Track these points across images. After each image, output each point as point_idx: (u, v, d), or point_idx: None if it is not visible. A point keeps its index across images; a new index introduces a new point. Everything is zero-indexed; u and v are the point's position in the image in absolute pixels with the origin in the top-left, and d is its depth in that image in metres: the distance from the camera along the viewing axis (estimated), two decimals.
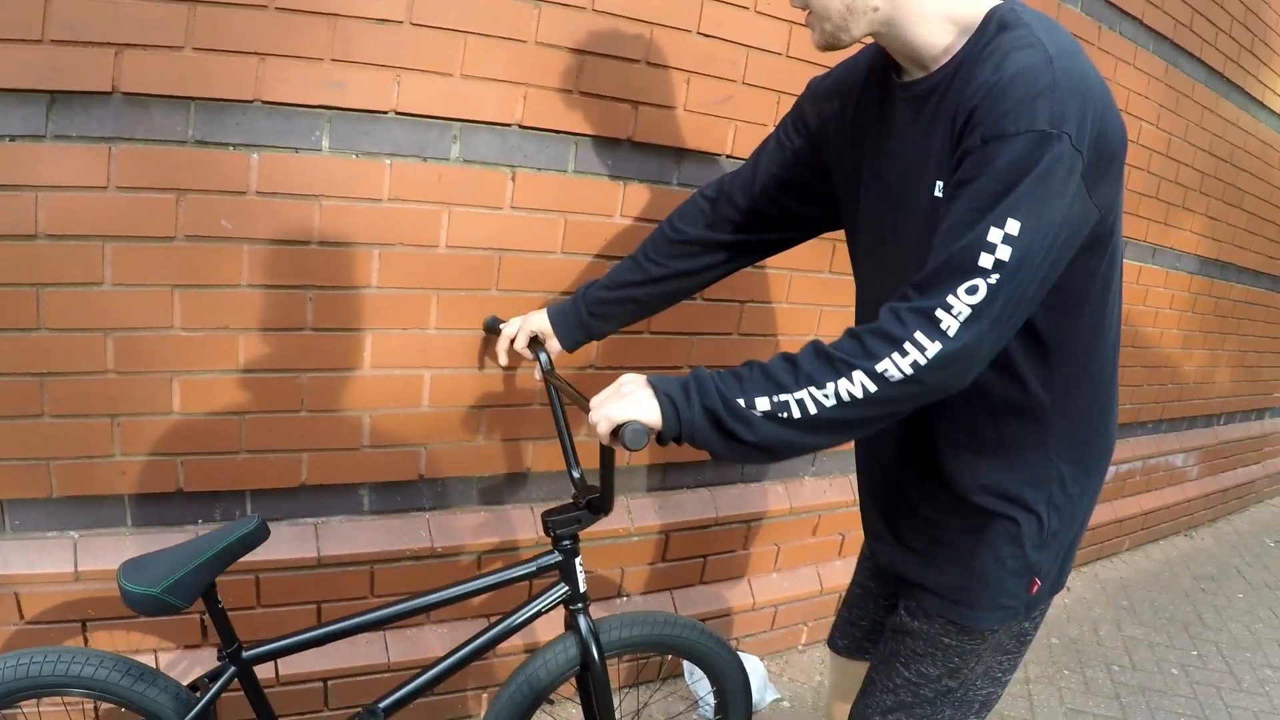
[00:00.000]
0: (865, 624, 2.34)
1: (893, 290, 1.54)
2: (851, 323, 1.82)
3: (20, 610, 2.42)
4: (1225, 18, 4.96)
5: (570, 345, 2.39)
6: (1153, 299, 5.20)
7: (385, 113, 2.43)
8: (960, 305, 1.42)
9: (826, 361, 1.50)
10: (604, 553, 3.19)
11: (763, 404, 1.51)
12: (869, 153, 1.80)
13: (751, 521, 3.49)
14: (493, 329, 2.64)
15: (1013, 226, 1.39)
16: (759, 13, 2.92)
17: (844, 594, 2.42)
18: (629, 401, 1.61)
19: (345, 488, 2.74)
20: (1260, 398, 7.15)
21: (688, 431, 1.57)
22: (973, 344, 1.44)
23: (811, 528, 3.70)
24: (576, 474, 2.30)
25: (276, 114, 2.32)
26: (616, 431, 1.63)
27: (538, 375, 2.40)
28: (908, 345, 1.44)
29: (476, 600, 2.90)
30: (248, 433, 2.55)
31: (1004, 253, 1.39)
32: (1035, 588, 1.84)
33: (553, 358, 2.38)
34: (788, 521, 3.61)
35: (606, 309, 2.32)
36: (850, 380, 1.47)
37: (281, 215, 2.39)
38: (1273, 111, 5.79)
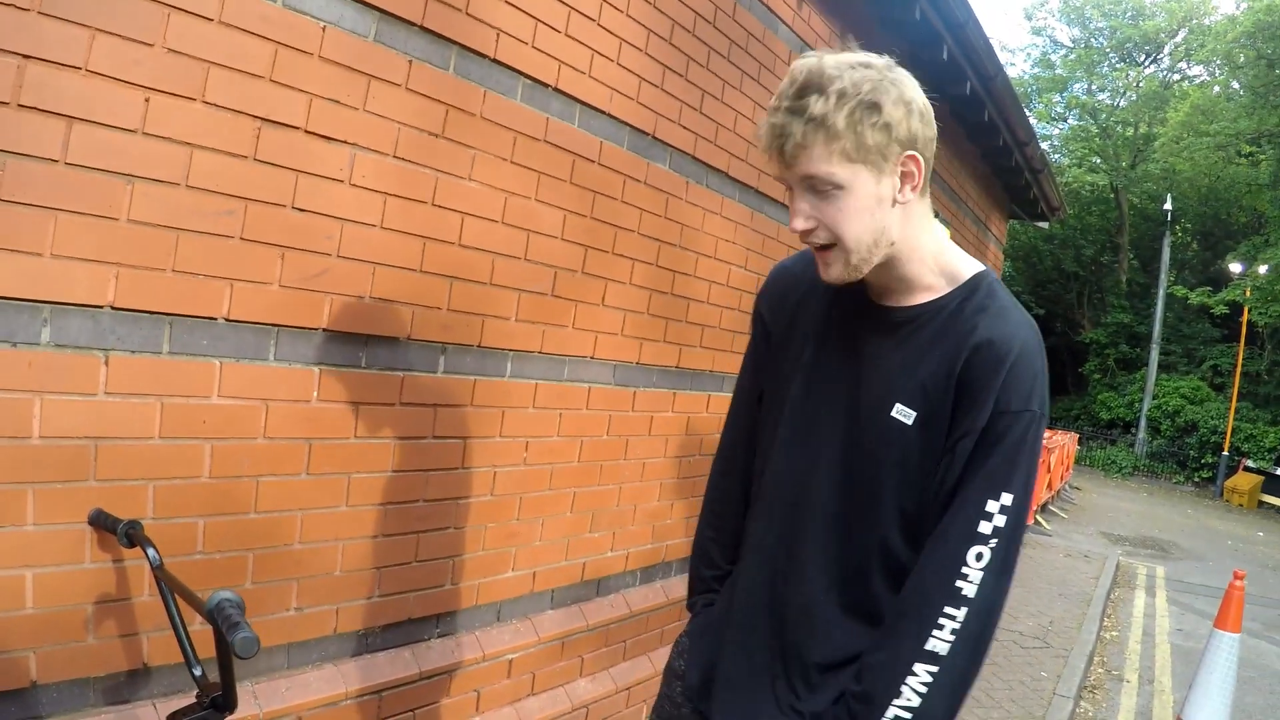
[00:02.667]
0: None
1: (805, 471, 1.96)
2: None
3: None
4: None
5: None
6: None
7: None
8: (972, 570, 1.74)
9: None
10: None
11: None
12: (822, 349, 1.99)
13: (383, 691, 3.42)
14: (98, 523, 2.53)
15: (1007, 499, 1.75)
16: (354, 185, 3.01)
17: None
18: None
19: None
20: None
21: None
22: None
23: (445, 688, 3.68)
24: (198, 672, 2.24)
25: None
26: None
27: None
28: (943, 620, 1.75)
29: None
30: None
31: (1001, 521, 1.74)
32: None
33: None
34: (418, 687, 3.57)
35: None
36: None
37: None
38: None
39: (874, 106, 1.69)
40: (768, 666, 2.01)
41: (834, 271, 1.83)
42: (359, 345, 3.14)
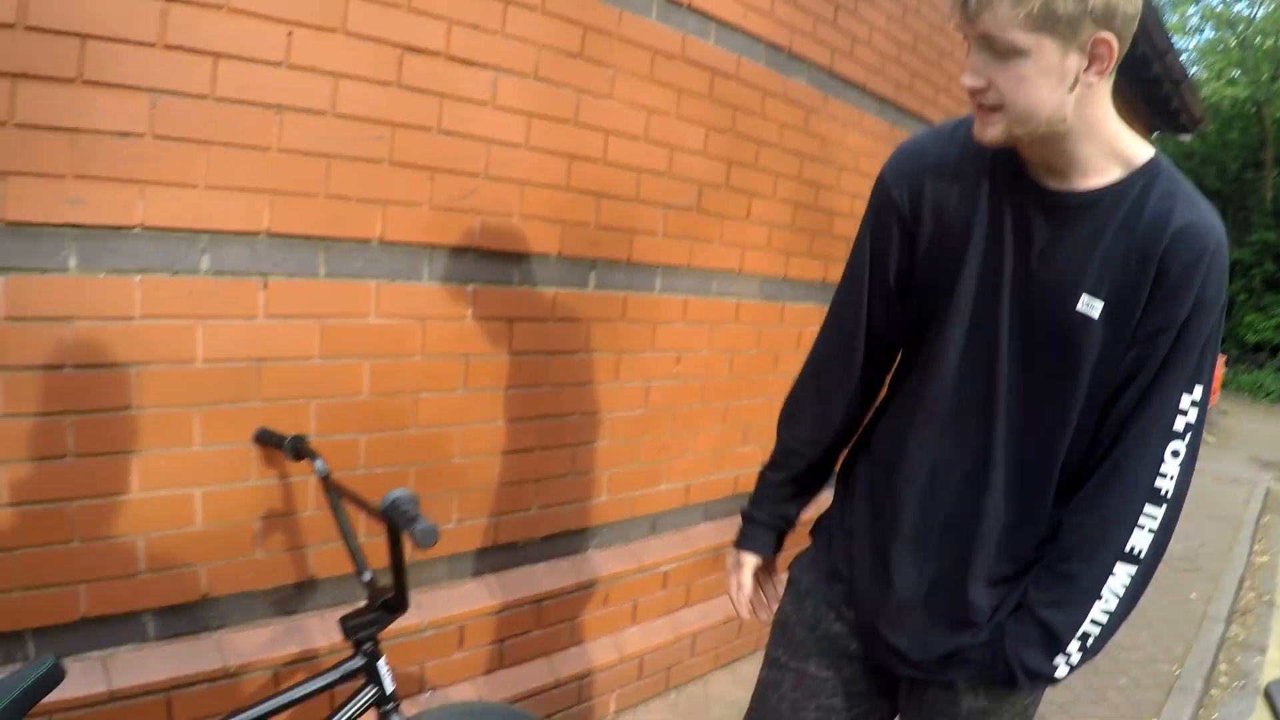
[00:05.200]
0: None
1: (981, 372, 1.79)
2: None
3: None
4: (943, 77, 5.48)
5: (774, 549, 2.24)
6: None
7: (131, 228, 2.37)
8: (1170, 467, 1.68)
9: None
10: (399, 649, 3.10)
11: (1074, 647, 1.73)
12: (986, 237, 1.78)
13: (543, 601, 3.51)
14: (264, 440, 2.62)
15: (1198, 393, 1.68)
16: (497, 107, 3.00)
17: (756, 717, 2.14)
18: None
19: (128, 616, 2.59)
20: None
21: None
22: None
23: (603, 598, 3.75)
24: (367, 576, 2.28)
25: (21, 235, 2.22)
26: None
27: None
28: (1144, 519, 1.69)
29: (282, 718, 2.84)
30: (20, 570, 2.39)
31: (1193, 415, 1.68)
32: None
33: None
34: (577, 596, 3.64)
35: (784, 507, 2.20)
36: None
37: (33, 340, 2.29)
38: None
39: None
40: (941, 579, 1.88)
41: (992, 132, 1.65)
42: (510, 263, 3.16)
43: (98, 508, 2.46)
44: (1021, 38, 1.52)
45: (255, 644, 2.79)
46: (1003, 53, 1.56)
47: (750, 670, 2.44)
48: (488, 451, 3.26)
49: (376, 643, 2.24)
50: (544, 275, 3.28)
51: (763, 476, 2.18)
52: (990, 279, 1.77)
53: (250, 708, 2.14)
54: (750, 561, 2.17)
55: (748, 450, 4.48)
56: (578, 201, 3.32)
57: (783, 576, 2.21)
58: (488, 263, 3.09)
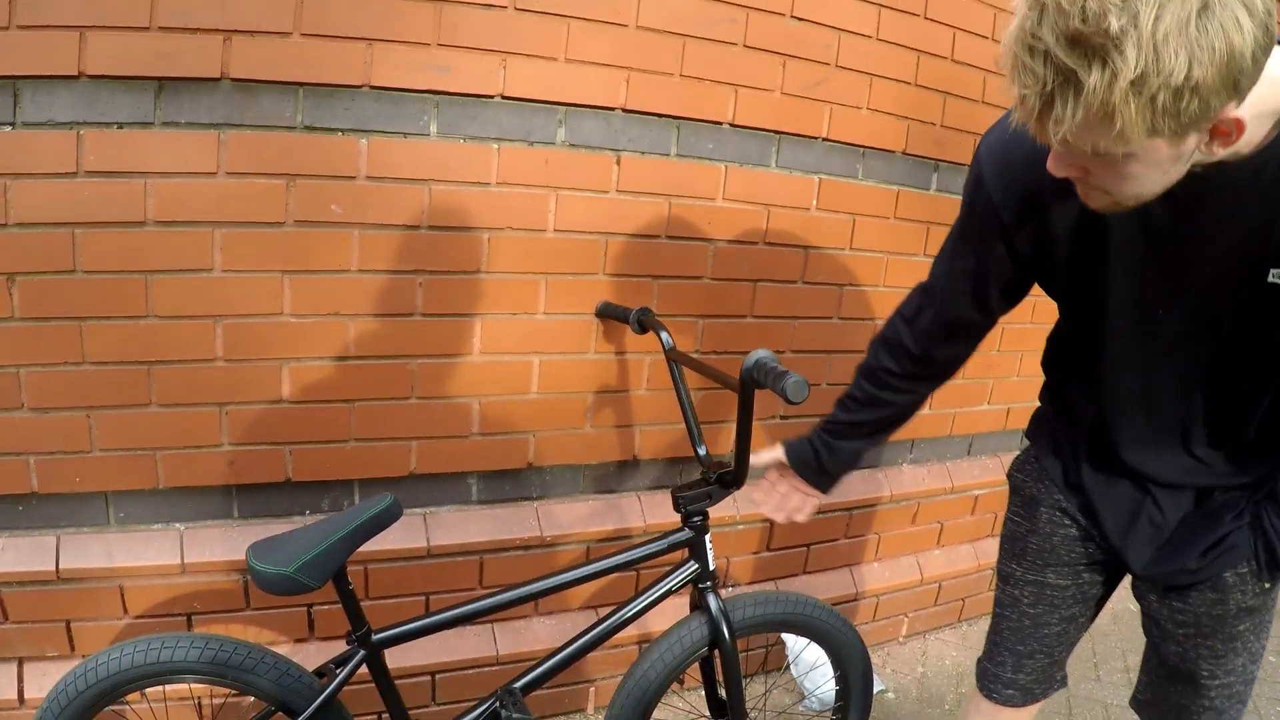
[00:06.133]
0: (1062, 660, 2.08)
1: (1180, 374, 1.61)
2: None
3: (125, 605, 2.41)
4: None
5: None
6: None
7: (492, 97, 2.42)
8: None
9: None
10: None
11: None
12: (1132, 238, 1.52)
13: (853, 510, 3.44)
14: (606, 314, 2.65)
15: None
16: None
17: (1000, 638, 2.07)
18: None
19: (454, 476, 2.71)
20: None
21: None
22: None
23: (911, 516, 3.65)
24: (702, 451, 2.27)
25: (385, 99, 2.31)
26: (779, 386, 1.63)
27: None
28: None
29: (587, 591, 2.90)
30: (357, 421, 2.53)
31: None
32: None
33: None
34: (888, 510, 3.56)
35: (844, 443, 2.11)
36: None
37: (391, 200, 2.38)
38: None
39: (1186, 90, 1.08)
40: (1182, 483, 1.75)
41: (1099, 205, 1.37)
42: (856, 157, 3.05)
43: (438, 367, 2.57)
44: (1123, 148, 1.18)
45: (571, 517, 2.87)
46: (1101, 153, 1.21)
47: None
48: (820, 348, 3.21)
49: (705, 518, 2.24)
50: (888, 172, 3.15)
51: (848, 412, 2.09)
52: (1140, 277, 1.55)
53: (586, 565, 2.19)
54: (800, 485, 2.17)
55: None
56: (924, 98, 3.16)
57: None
58: (834, 154, 3.00)
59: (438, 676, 2.77)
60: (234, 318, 2.33)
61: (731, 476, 2.16)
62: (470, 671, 2.79)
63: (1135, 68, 1.05)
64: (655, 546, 2.22)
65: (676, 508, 2.22)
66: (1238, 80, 1.10)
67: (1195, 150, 1.22)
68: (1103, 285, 1.60)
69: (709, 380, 2.49)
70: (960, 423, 3.76)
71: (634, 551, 2.22)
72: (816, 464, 2.11)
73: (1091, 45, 1.07)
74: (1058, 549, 1.94)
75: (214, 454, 2.42)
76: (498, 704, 2.11)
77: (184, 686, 2.30)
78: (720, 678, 2.38)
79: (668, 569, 2.28)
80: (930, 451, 3.73)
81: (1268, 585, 1.73)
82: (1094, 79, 1.08)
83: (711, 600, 2.27)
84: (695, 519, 2.23)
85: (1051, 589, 1.96)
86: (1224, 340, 1.54)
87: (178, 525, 2.46)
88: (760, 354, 1.84)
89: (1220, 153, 1.25)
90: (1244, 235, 1.41)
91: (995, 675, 2.06)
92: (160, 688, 2.26)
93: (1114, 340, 1.66)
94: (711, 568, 2.27)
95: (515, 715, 2.08)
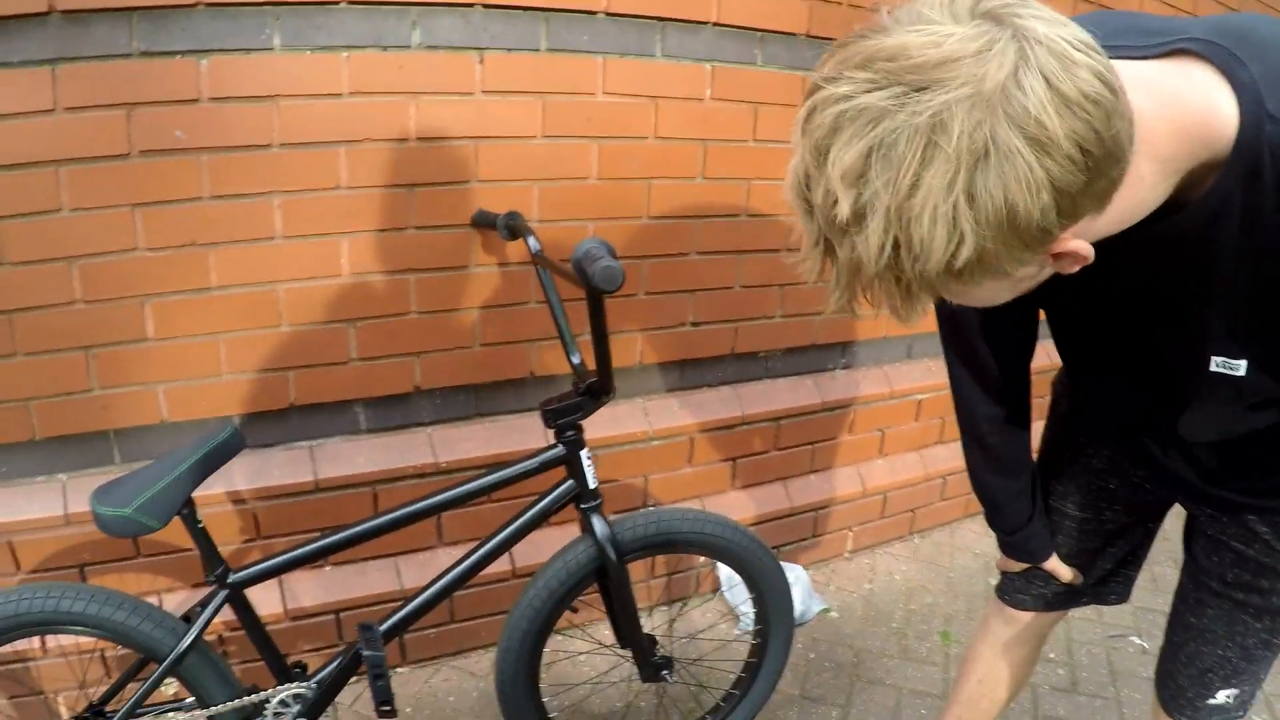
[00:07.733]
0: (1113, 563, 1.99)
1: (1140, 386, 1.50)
2: None
3: (16, 560, 2.35)
4: None
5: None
6: None
7: (337, 3, 2.27)
8: None
9: None
10: (623, 459, 3.03)
11: None
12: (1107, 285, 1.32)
13: (781, 419, 3.32)
14: (480, 223, 2.51)
15: None
16: None
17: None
18: None
19: (338, 406, 2.62)
20: None
21: None
22: None
23: (847, 424, 3.53)
24: (575, 359, 2.15)
25: (222, 15, 2.17)
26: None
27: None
28: None
29: (487, 514, 2.81)
30: (226, 355, 2.43)
31: None
32: None
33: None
34: (821, 419, 3.43)
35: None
36: None
37: (237, 120, 2.25)
38: None
39: (961, 262, 0.88)
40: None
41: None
42: (753, 41, 2.86)
43: (304, 291, 2.49)
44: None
45: (466, 441, 2.79)
46: None
47: None
48: (728, 248, 3.05)
49: (579, 432, 2.12)
50: (791, 57, 2.95)
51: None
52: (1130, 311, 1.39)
53: (448, 490, 2.12)
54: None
55: None
56: None
57: None
58: (726, 39, 2.81)
59: (342, 615, 2.69)
60: (88, 256, 2.22)
61: (599, 385, 2.04)
62: (375, 608, 2.70)
63: (881, 252, 0.89)
64: (526, 465, 2.11)
65: (546, 423, 2.09)
66: (1044, 229, 0.89)
67: (1041, 270, 1.03)
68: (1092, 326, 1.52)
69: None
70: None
71: (505, 471, 2.11)
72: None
73: (837, 226, 0.91)
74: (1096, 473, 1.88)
75: (86, 399, 2.34)
76: (361, 644, 2.04)
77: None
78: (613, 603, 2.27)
79: (547, 488, 2.18)
80: (865, 355, 3.60)
81: None
82: (844, 255, 0.94)
83: (595, 521, 2.15)
84: (568, 434, 2.10)
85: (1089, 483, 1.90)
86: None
87: (60, 476, 2.39)
88: (588, 243, 1.72)
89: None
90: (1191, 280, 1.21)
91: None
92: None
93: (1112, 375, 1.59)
94: (592, 486, 2.15)
95: (368, 653, 2.00)
